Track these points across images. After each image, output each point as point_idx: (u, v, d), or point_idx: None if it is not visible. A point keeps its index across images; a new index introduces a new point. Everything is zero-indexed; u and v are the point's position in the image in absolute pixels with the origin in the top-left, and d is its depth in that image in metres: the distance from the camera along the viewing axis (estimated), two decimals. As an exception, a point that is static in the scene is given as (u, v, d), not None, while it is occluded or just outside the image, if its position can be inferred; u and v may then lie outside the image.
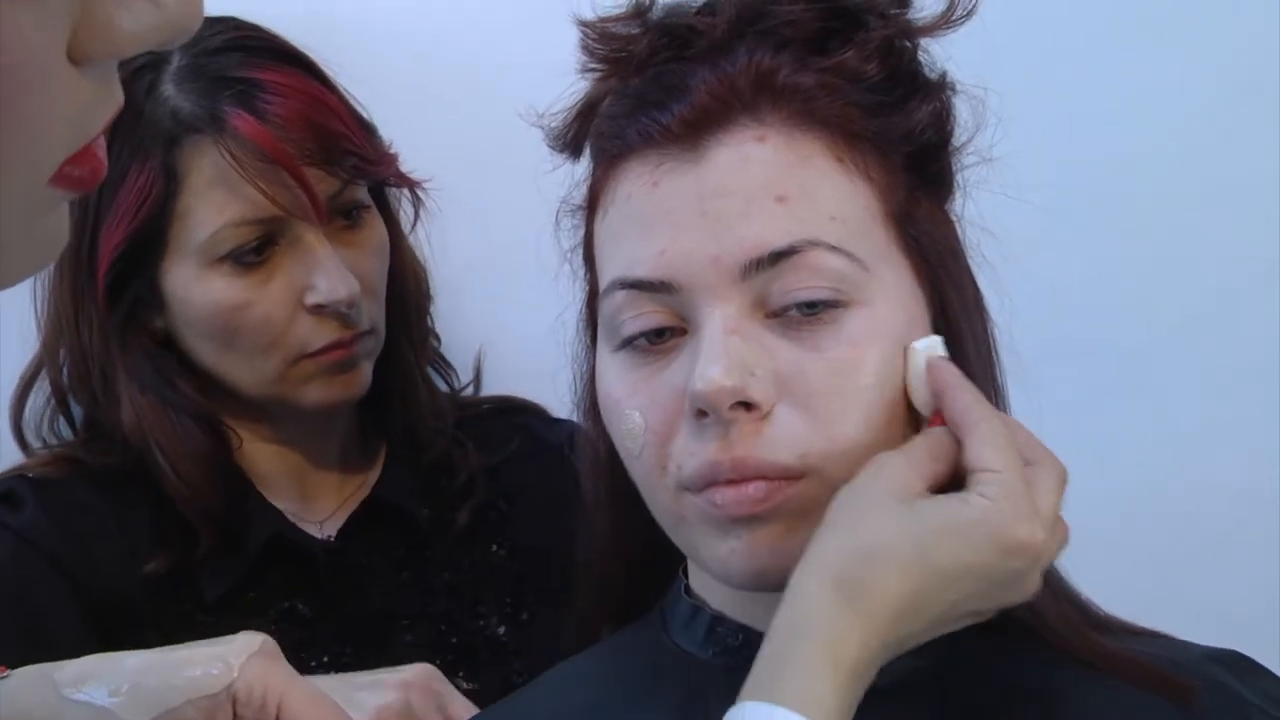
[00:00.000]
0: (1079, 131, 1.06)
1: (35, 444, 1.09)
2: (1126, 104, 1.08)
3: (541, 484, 1.11)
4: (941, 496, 0.63)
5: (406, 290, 1.12)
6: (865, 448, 0.65)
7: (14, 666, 0.76)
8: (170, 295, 1.01)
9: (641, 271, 0.68)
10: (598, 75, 0.75)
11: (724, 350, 0.64)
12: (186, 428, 1.02)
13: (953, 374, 0.67)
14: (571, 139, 0.77)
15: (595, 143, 0.74)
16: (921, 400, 0.68)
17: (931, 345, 0.68)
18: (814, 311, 0.66)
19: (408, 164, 1.10)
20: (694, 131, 0.67)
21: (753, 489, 0.64)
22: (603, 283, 0.71)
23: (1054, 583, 0.73)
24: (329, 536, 1.08)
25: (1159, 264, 1.10)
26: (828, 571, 0.61)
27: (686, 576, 0.77)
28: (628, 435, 0.69)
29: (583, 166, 0.77)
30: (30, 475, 1.03)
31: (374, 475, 1.13)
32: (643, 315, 0.68)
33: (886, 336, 0.67)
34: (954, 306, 0.71)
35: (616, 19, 0.73)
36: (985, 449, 0.63)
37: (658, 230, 0.67)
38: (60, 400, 1.08)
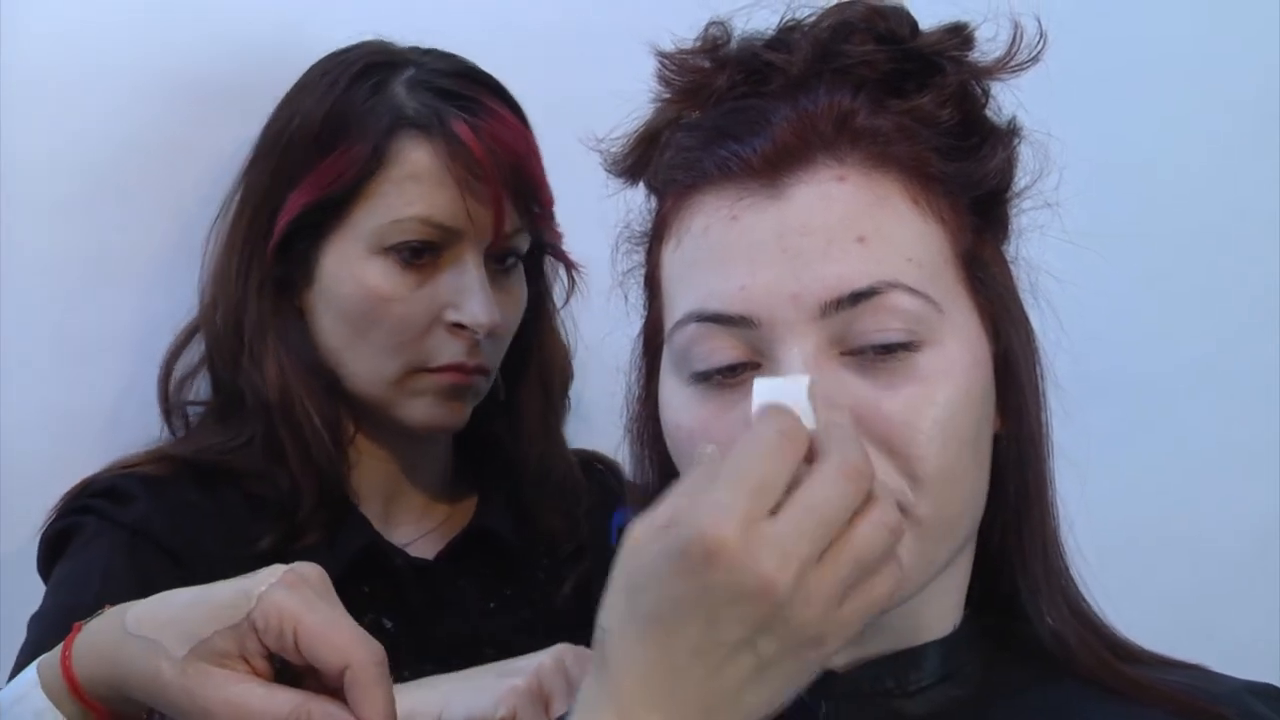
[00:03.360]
0: (1111, 173, 1.09)
1: (177, 409, 1.11)
2: (1157, 144, 1.11)
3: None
4: (656, 535, 0.57)
5: (553, 364, 1.16)
6: (945, 482, 0.66)
7: None
8: (324, 271, 1.05)
9: (720, 305, 0.68)
10: (667, 104, 0.75)
11: None
12: (321, 397, 1.05)
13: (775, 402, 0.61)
14: (632, 165, 0.78)
15: (665, 173, 0.74)
16: None
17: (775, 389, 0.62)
18: (889, 351, 0.67)
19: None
20: (774, 168, 0.68)
21: None
22: (675, 313, 0.71)
23: (1079, 613, 0.75)
24: (423, 559, 1.10)
25: (1188, 299, 1.13)
26: (595, 659, 0.59)
27: None
28: None
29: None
30: (136, 473, 1.05)
31: (460, 510, 1.15)
32: (717, 349, 0.68)
33: (957, 375, 0.68)
34: (1015, 345, 0.72)
35: (692, 51, 0.74)
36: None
37: (737, 265, 0.68)
38: (213, 359, 1.10)
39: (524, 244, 1.09)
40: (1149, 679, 0.72)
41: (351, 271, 1.04)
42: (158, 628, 0.71)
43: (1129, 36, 1.23)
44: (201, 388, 1.13)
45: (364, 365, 1.05)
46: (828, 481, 0.56)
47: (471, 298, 1.03)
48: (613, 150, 0.78)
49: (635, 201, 0.79)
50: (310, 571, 0.72)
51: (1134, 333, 1.14)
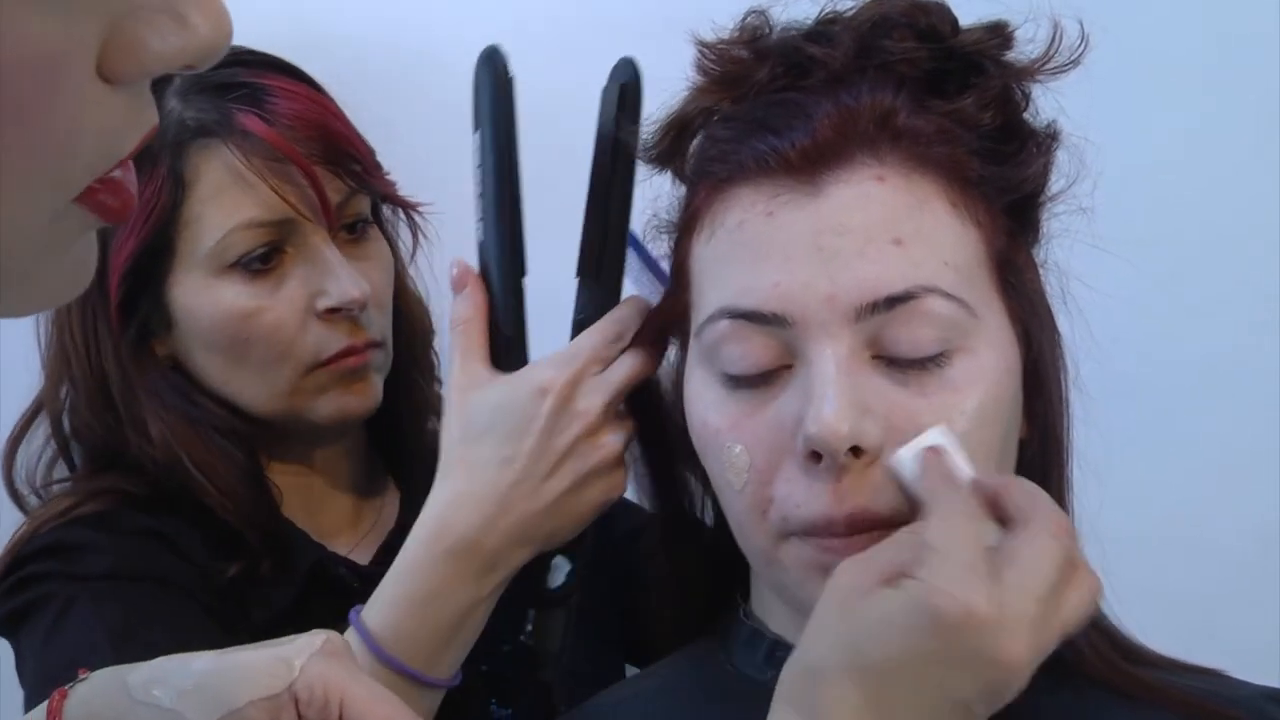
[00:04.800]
0: (1137, 177, 1.09)
1: (27, 492, 1.05)
2: (1184, 148, 1.11)
3: None
4: (884, 590, 0.59)
5: (413, 318, 1.12)
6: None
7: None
8: (178, 309, 0.99)
9: (752, 302, 0.67)
10: (702, 93, 0.74)
11: (839, 392, 0.64)
12: (218, 442, 1.00)
13: (933, 461, 0.64)
14: (663, 153, 0.77)
15: (699, 164, 0.73)
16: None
17: (921, 441, 0.65)
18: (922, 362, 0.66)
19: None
20: (813, 164, 0.67)
21: (866, 539, 0.64)
22: (706, 307, 0.70)
23: (1096, 620, 0.74)
24: (361, 564, 1.06)
25: (1206, 303, 1.13)
26: (785, 695, 0.61)
27: (744, 600, 0.78)
28: (730, 468, 0.69)
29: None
30: (76, 515, 0.98)
31: (387, 506, 1.12)
32: (750, 351, 0.68)
33: (988, 381, 0.67)
34: (1045, 352, 0.72)
35: (733, 41, 0.73)
36: (931, 526, 0.60)
37: (772, 262, 0.67)
38: (61, 440, 1.04)
39: (364, 205, 1.04)
40: (1161, 682, 0.72)
41: (203, 301, 0.98)
42: (176, 696, 0.66)
43: (1158, 41, 1.22)
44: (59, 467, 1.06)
45: (254, 387, 1.01)
46: (1048, 546, 0.59)
47: (333, 279, 0.98)
48: (644, 136, 0.77)
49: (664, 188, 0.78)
50: (341, 642, 0.69)
51: (1153, 336, 1.14)
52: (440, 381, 1.18)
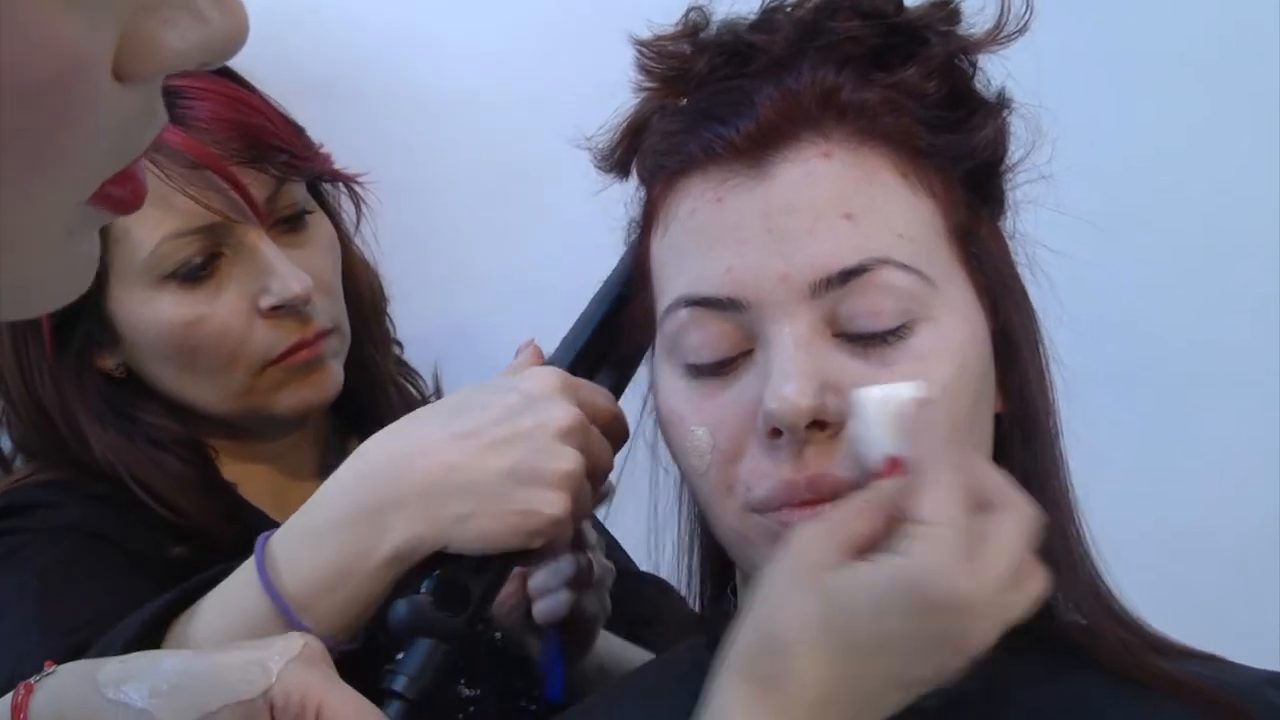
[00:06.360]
0: (1131, 153, 1.08)
1: None
2: (1178, 135, 1.10)
3: None
4: (856, 563, 0.58)
5: (360, 292, 1.10)
6: None
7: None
8: (122, 324, 0.99)
9: (708, 288, 0.67)
10: (650, 93, 0.74)
11: (798, 368, 0.64)
12: (160, 459, 1.00)
13: (928, 420, 0.63)
14: (620, 157, 0.77)
15: (651, 160, 0.73)
16: (873, 450, 0.64)
17: (897, 392, 0.64)
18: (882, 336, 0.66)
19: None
20: (759, 147, 0.67)
21: (827, 508, 0.63)
22: (665, 300, 0.70)
23: (1108, 603, 0.72)
24: None
25: (1202, 289, 1.12)
26: (738, 667, 0.59)
27: (735, 595, 0.77)
28: (693, 452, 0.68)
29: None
30: (31, 481, 0.99)
31: None
32: (709, 340, 0.67)
33: (953, 351, 0.66)
34: (1014, 322, 0.71)
35: (671, 37, 0.73)
36: (923, 498, 0.58)
37: (724, 247, 0.67)
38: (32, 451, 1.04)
39: (298, 193, 1.02)
40: (1174, 671, 0.70)
41: (144, 315, 0.97)
42: (148, 695, 0.64)
43: (1149, 19, 1.22)
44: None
45: (208, 391, 1.00)
46: (1020, 537, 0.59)
47: (273, 276, 0.97)
48: (600, 145, 0.77)
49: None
50: (319, 647, 0.68)
51: (1154, 321, 1.12)
52: (400, 345, 1.17)
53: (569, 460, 0.75)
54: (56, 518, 0.95)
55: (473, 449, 0.75)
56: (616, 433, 0.81)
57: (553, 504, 0.74)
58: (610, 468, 0.79)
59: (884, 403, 0.63)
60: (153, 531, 0.98)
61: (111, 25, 0.37)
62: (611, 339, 0.83)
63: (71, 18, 0.35)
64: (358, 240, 1.14)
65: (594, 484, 0.79)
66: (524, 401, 0.76)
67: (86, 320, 0.99)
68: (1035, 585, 0.59)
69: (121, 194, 0.41)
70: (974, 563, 0.56)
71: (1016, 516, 0.59)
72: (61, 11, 0.35)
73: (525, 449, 0.75)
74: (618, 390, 0.84)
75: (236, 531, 0.99)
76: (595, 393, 0.80)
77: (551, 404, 0.76)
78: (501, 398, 0.77)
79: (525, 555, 0.77)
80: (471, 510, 0.74)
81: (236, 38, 0.40)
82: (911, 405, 0.63)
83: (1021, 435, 0.72)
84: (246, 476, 1.05)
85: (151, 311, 0.97)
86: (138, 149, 0.41)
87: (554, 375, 0.78)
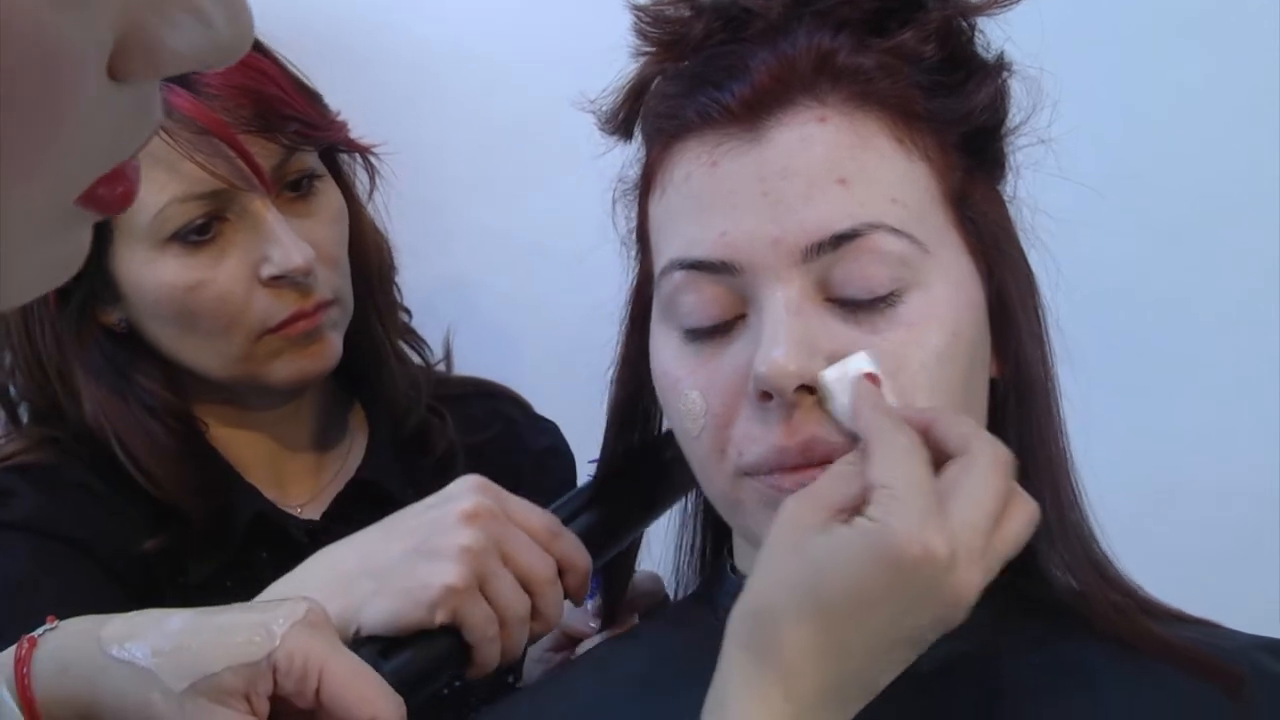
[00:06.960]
0: (1133, 119, 1.07)
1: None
2: (1181, 100, 1.09)
3: (519, 481, 1.02)
4: (836, 526, 0.59)
5: (368, 259, 1.10)
6: None
7: None
8: (124, 283, 0.99)
9: (701, 252, 0.67)
10: (649, 58, 0.74)
11: (787, 333, 0.64)
12: (148, 425, 1.00)
13: (868, 391, 0.63)
14: (623, 120, 0.77)
15: (650, 123, 0.74)
16: (847, 421, 0.65)
17: (850, 366, 0.65)
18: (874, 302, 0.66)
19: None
20: (754, 112, 0.67)
21: (820, 472, 0.63)
22: (660, 262, 0.71)
23: (1102, 567, 0.72)
24: (312, 519, 1.07)
25: (1203, 259, 1.11)
26: (736, 637, 0.60)
27: (731, 556, 0.77)
28: (687, 415, 0.69)
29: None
30: (13, 464, 1.00)
31: (352, 455, 1.12)
32: (703, 303, 0.68)
33: (945, 317, 0.66)
34: (1009, 288, 0.71)
35: (669, 2, 0.73)
36: (877, 464, 0.59)
37: (718, 211, 0.67)
38: (7, 402, 1.06)
39: (309, 160, 1.02)
40: (1168, 635, 0.70)
41: (146, 275, 0.98)
42: (151, 655, 0.64)
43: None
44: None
45: (207, 355, 1.01)
46: (989, 478, 0.59)
47: (275, 246, 0.97)
48: (603, 108, 0.78)
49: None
50: (323, 612, 0.68)
51: (1153, 290, 1.11)
52: (408, 311, 1.17)
53: (467, 537, 0.75)
54: (12, 512, 0.96)
55: (382, 539, 0.78)
56: (559, 552, 0.79)
57: (447, 573, 0.73)
58: (539, 575, 0.77)
59: (840, 380, 0.64)
60: (124, 523, 0.99)
61: (106, 25, 0.36)
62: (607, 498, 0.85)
63: (59, 18, 0.35)
64: (370, 208, 1.14)
65: (567, 587, 0.79)
66: (440, 499, 0.78)
67: (90, 276, 1.00)
68: (1023, 516, 0.60)
69: (111, 195, 0.40)
70: (943, 515, 0.57)
71: (985, 459, 0.60)
72: (47, 11, 0.34)
73: (428, 531, 0.76)
74: (596, 536, 0.83)
75: (215, 512, 1.00)
76: (529, 511, 0.79)
77: (463, 496, 0.77)
78: (426, 503, 0.79)
79: (458, 663, 0.76)
80: (375, 589, 0.75)
81: (240, 46, 0.39)
82: (860, 378, 0.64)
83: (1017, 400, 0.72)
84: (242, 443, 1.07)
85: (153, 273, 0.98)
86: (128, 151, 0.40)
87: (476, 479, 0.79)
